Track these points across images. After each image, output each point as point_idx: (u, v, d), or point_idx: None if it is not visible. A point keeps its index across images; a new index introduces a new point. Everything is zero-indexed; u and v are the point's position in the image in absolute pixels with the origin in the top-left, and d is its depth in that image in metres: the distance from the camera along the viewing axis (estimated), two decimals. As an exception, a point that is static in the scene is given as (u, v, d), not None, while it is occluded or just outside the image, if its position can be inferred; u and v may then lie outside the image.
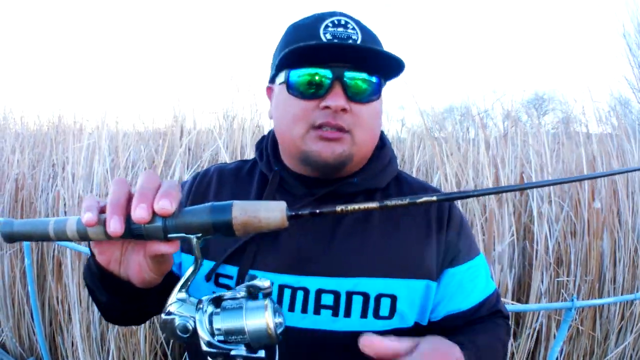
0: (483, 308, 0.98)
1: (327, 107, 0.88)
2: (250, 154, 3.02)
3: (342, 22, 0.92)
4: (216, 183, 1.04)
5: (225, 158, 3.00)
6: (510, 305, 2.34)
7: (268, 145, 1.05)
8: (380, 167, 1.01)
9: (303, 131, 0.90)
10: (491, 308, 1.00)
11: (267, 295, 0.66)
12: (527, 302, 2.71)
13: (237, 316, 0.64)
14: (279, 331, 0.65)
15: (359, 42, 0.90)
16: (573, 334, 2.77)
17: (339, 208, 0.64)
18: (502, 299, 1.06)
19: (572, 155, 3.00)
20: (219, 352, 0.63)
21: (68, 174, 3.15)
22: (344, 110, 0.88)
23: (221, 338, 0.63)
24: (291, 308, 0.90)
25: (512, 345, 2.67)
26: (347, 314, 0.89)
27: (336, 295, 0.90)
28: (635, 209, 2.87)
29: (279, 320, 0.65)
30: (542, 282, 2.66)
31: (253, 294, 0.66)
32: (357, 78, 0.89)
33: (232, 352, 0.63)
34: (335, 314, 0.89)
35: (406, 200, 0.64)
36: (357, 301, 0.90)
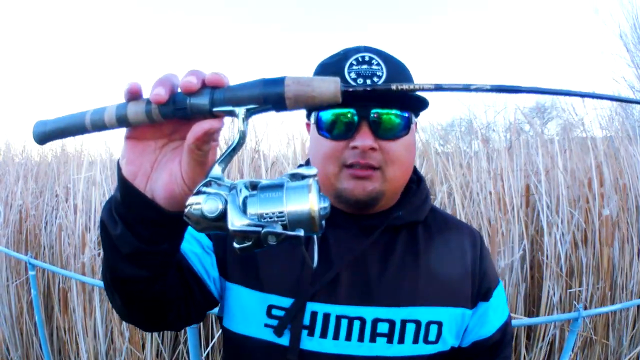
0: (500, 332, 1.04)
1: (355, 147, 0.91)
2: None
3: (367, 59, 0.94)
4: None
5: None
6: (517, 320, 2.31)
7: None
8: (420, 201, 1.05)
9: (336, 170, 0.94)
10: (505, 332, 1.05)
11: (315, 178, 0.59)
12: (537, 314, 2.67)
13: (276, 195, 0.56)
14: (322, 216, 0.57)
15: (383, 78, 0.92)
16: (586, 342, 2.73)
17: (393, 86, 0.59)
18: (511, 314, 1.10)
19: (579, 161, 2.96)
20: (249, 231, 0.54)
21: (71, 204, 3.14)
22: (372, 149, 0.91)
23: (255, 220, 0.55)
24: (348, 337, 0.93)
25: (524, 358, 2.64)
26: (401, 340, 0.93)
27: (391, 323, 0.94)
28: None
29: (324, 204, 0.57)
30: (554, 293, 2.62)
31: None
32: (383, 115, 0.92)
33: (266, 229, 0.53)
34: (390, 341, 0.93)
35: (461, 86, 0.58)
36: (410, 328, 0.94)
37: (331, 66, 0.96)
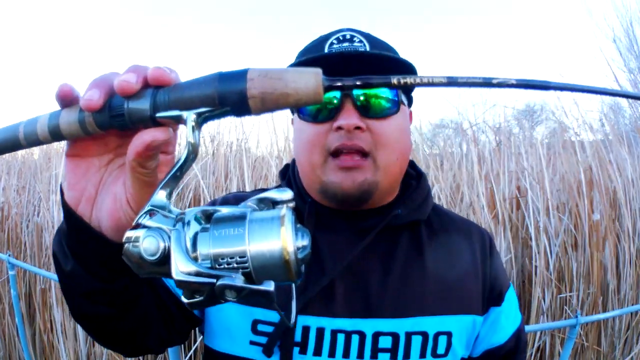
0: (513, 339, 0.96)
1: (340, 128, 0.81)
2: (232, 181, 2.92)
3: (348, 37, 0.87)
4: None
5: (204, 185, 2.91)
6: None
7: (296, 174, 0.96)
8: (422, 198, 0.95)
9: (321, 159, 0.84)
10: (519, 339, 0.97)
11: (289, 207, 0.46)
12: (527, 320, 2.63)
13: (236, 231, 0.42)
14: (301, 259, 0.43)
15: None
16: (578, 349, 2.69)
17: (394, 79, 0.44)
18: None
19: (568, 165, 2.93)
20: (198, 282, 0.40)
21: (53, 202, 3.07)
22: (359, 128, 0.81)
23: (207, 264, 0.42)
24: (346, 354, 0.83)
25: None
26: (407, 355, 0.84)
27: (395, 337, 0.83)
28: (635, 216, 2.80)
29: (302, 242, 0.44)
30: (544, 299, 2.58)
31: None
32: (370, 94, 0.82)
33: (220, 282, 0.40)
34: (394, 357, 0.83)
35: (480, 80, 0.43)
36: (417, 341, 0.84)
37: (311, 50, 0.88)
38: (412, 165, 0.99)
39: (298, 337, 0.83)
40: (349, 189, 0.82)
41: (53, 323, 2.98)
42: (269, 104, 0.44)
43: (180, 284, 0.41)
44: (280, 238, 0.41)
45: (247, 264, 0.41)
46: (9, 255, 2.88)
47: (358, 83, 0.45)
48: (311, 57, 0.83)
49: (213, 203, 0.97)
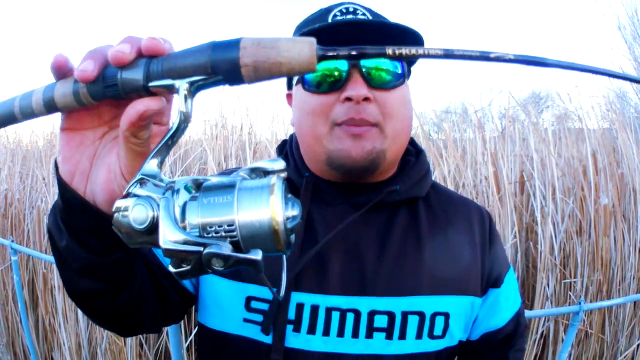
0: (512, 323, 0.94)
1: (348, 99, 0.79)
2: (234, 163, 2.91)
3: (351, 10, 0.85)
4: None
5: (213, 166, 2.91)
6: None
7: (293, 149, 0.94)
8: (420, 174, 0.93)
9: (327, 129, 0.82)
10: (518, 323, 0.96)
11: (280, 176, 0.45)
12: (532, 306, 2.61)
13: (225, 199, 0.41)
14: (290, 229, 0.42)
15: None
16: (582, 337, 2.67)
17: (389, 50, 0.43)
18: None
19: (573, 150, 2.91)
20: (185, 251, 0.40)
21: (55, 188, 3.06)
22: (367, 99, 0.79)
23: (196, 233, 0.41)
24: (340, 333, 0.81)
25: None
26: (402, 335, 0.81)
27: (391, 316, 0.81)
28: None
29: (292, 212, 0.43)
30: (548, 285, 2.56)
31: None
32: (375, 63, 0.80)
33: (207, 250, 0.39)
34: (390, 336, 0.81)
35: (477, 53, 0.42)
36: (413, 321, 0.82)
37: (312, 22, 0.86)
38: (411, 142, 0.98)
39: (292, 314, 0.81)
40: (358, 156, 0.80)
41: (55, 308, 2.99)
42: (262, 73, 0.43)
43: (167, 252, 0.40)
44: (269, 207, 0.41)
45: (235, 233, 0.41)
46: (12, 241, 2.87)
47: (353, 53, 0.44)
48: (315, 27, 0.80)
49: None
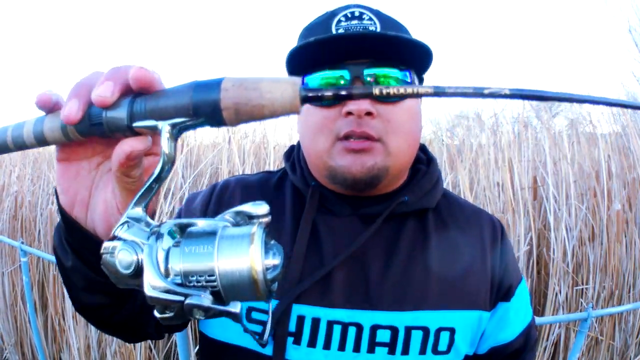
0: (522, 337, 0.91)
1: (349, 113, 0.77)
2: (246, 169, 2.91)
3: (357, 14, 0.81)
4: (241, 196, 0.91)
5: (224, 171, 2.91)
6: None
7: (300, 156, 0.92)
8: (431, 185, 0.89)
9: (328, 144, 0.80)
10: (530, 336, 0.94)
11: (262, 224, 0.44)
12: (542, 312, 2.59)
13: (205, 248, 0.42)
14: (271, 280, 0.42)
15: (377, 31, 0.79)
16: (592, 344, 2.65)
17: (376, 90, 0.41)
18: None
19: (586, 155, 2.89)
20: (167, 300, 0.40)
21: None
22: (369, 114, 0.77)
23: (178, 280, 0.41)
24: (341, 347, 0.79)
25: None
26: (406, 351, 0.79)
27: (394, 331, 0.79)
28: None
29: (273, 261, 0.42)
30: (560, 291, 2.54)
31: (240, 224, 0.45)
32: (379, 74, 0.78)
33: (188, 301, 0.40)
34: (392, 351, 0.79)
35: (470, 90, 0.40)
36: (417, 337, 0.79)
37: (317, 27, 0.83)
38: (422, 149, 0.95)
39: (293, 327, 0.79)
40: (358, 173, 0.78)
41: (65, 309, 3.00)
42: (244, 116, 0.43)
43: (150, 299, 0.40)
44: (249, 256, 0.40)
45: (215, 283, 0.41)
46: (21, 243, 2.89)
47: (343, 93, 0.42)
48: (317, 38, 0.77)
49: (213, 188, 0.94)
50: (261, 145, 2.93)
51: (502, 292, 0.88)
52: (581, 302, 2.57)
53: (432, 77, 0.91)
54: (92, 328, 2.82)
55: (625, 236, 2.61)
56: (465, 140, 2.69)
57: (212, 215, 0.78)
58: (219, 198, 0.91)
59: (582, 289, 2.59)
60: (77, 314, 2.85)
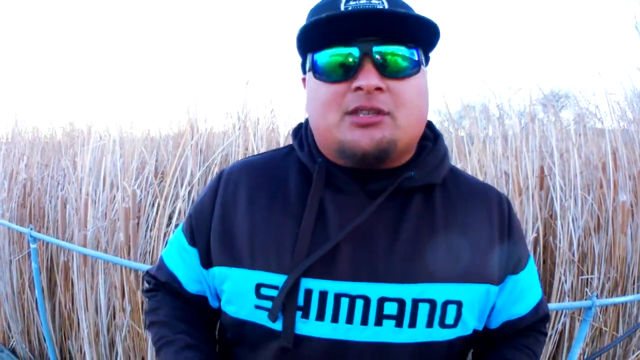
0: (535, 311, 0.94)
1: (359, 89, 0.78)
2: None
3: None
4: (247, 183, 0.92)
5: (237, 158, 2.93)
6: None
7: (308, 133, 0.94)
8: (437, 161, 0.90)
9: (337, 118, 0.80)
10: (541, 311, 0.96)
11: None
12: (548, 300, 2.61)
13: None
14: None
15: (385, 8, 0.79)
16: (596, 334, 2.67)
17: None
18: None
19: (593, 147, 2.91)
20: None
21: (77, 176, 3.10)
22: (379, 89, 0.78)
23: None
24: (349, 320, 0.80)
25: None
26: (413, 323, 0.80)
27: (401, 303, 0.80)
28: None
29: None
30: (566, 280, 2.56)
31: None
32: (387, 52, 0.79)
33: None
34: (400, 324, 0.80)
35: None
36: (424, 309, 0.81)
37: (326, 6, 0.83)
38: (429, 125, 0.96)
39: (301, 300, 0.81)
40: (367, 146, 0.79)
41: (74, 295, 3.02)
42: None
43: None
44: None
45: None
46: (31, 229, 2.91)
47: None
48: (329, 15, 0.78)
49: (218, 179, 0.96)
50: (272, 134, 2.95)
51: (510, 266, 0.89)
52: (586, 292, 2.59)
53: (439, 56, 0.93)
54: (103, 312, 2.84)
55: (630, 228, 2.63)
56: (473, 130, 2.70)
57: (222, 214, 0.89)
58: (224, 197, 0.92)
59: (587, 278, 2.61)
60: (87, 300, 2.89)
